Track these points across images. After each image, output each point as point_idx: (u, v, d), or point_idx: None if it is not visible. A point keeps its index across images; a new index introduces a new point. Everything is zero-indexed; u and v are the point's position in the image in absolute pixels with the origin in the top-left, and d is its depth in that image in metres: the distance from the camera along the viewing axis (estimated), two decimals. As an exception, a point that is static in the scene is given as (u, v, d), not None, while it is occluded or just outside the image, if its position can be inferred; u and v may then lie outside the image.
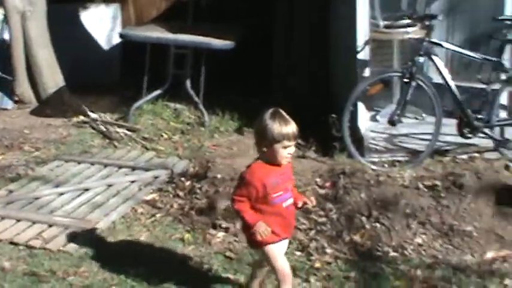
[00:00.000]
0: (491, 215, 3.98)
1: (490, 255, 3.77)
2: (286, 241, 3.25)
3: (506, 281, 3.53)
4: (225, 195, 4.28)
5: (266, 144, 3.01)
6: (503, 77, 5.02)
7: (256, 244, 3.14)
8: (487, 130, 5.02)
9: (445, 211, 4.02)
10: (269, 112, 3.04)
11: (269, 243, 3.11)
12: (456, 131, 5.08)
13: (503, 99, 5.21)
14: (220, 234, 4.09)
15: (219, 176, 4.51)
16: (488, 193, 4.08)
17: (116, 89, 6.85)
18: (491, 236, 3.87)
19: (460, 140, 5.14)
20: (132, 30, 6.62)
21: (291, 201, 3.15)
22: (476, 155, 5.07)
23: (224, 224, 4.13)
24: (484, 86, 5.03)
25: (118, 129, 5.90)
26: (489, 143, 5.11)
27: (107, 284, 3.59)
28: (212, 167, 4.68)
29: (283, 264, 3.16)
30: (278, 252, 3.15)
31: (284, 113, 3.05)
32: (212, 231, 4.11)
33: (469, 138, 5.07)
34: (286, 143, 2.99)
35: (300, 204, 3.22)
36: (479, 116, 5.01)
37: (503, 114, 5.26)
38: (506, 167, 4.34)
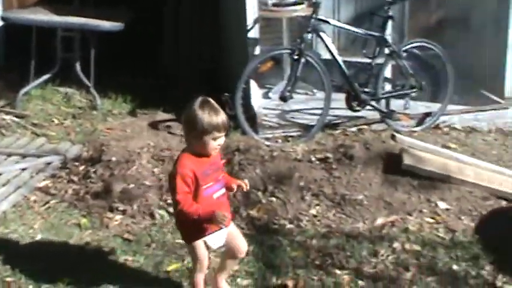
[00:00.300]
0: (380, 183, 4.16)
1: (379, 221, 3.94)
2: (224, 231, 3.09)
3: (395, 244, 3.71)
4: (120, 177, 4.25)
5: (195, 135, 2.89)
6: (386, 51, 5.24)
7: (190, 239, 3.06)
8: (373, 103, 5.23)
9: (337, 182, 4.16)
10: (198, 102, 2.90)
11: (200, 237, 3.02)
12: (345, 104, 5.26)
13: (388, 72, 5.45)
14: (118, 217, 4.05)
15: (113, 159, 4.45)
16: (376, 162, 4.26)
17: (0, 74, 6.56)
18: (380, 203, 4.05)
19: (349, 113, 5.33)
20: (14, 13, 6.36)
21: (222, 191, 3.04)
22: (365, 127, 5.30)
23: (121, 207, 4.10)
24: (369, 61, 5.23)
25: (5, 116, 5.68)
26: (376, 115, 5.33)
27: (0, 275, 3.49)
28: (106, 150, 4.60)
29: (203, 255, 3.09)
30: (203, 246, 3.05)
31: (214, 103, 2.93)
32: (109, 215, 4.07)
33: (358, 111, 5.27)
34: (216, 134, 2.88)
35: (235, 188, 3.13)
36: (366, 90, 5.22)
37: (388, 87, 5.50)
38: (392, 137, 4.54)
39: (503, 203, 4.13)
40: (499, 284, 3.39)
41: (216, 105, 2.93)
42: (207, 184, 2.95)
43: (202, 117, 2.85)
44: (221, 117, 2.90)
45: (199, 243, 3.05)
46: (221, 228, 3.02)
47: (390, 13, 5.22)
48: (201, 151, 2.94)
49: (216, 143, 2.92)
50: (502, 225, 3.90)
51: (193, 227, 3.01)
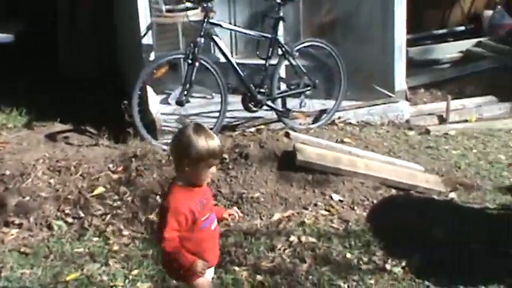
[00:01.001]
0: (276, 180, 4.27)
1: (276, 217, 4.06)
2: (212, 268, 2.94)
3: (291, 238, 3.83)
4: (15, 191, 4.19)
5: (189, 163, 2.65)
6: (279, 51, 5.37)
7: (186, 280, 2.81)
8: (269, 102, 5.35)
9: (233, 181, 4.25)
10: (191, 127, 2.68)
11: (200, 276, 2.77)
12: (242, 106, 5.35)
13: (282, 72, 5.59)
14: (14, 231, 3.99)
15: (7, 172, 4.37)
16: (271, 160, 4.37)
17: None
18: (276, 200, 4.16)
19: (247, 114, 5.43)
20: None
21: (215, 221, 2.84)
22: (262, 126, 5.40)
23: (17, 220, 4.04)
24: (263, 62, 5.34)
25: None
26: (273, 115, 5.46)
27: None
28: (0, 164, 4.51)
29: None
30: (207, 282, 2.89)
31: (207, 128, 2.74)
32: (4, 229, 4.00)
33: (255, 111, 5.38)
34: (212, 160, 2.68)
35: (229, 218, 2.99)
36: (262, 90, 5.33)
37: (283, 86, 5.63)
38: (287, 135, 4.67)
39: (393, 192, 4.33)
40: (388, 267, 3.55)
41: (209, 130, 2.74)
42: (205, 216, 2.74)
43: (197, 143, 2.62)
44: (217, 142, 2.70)
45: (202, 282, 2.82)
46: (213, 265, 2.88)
47: (281, 14, 5.34)
48: (194, 180, 2.71)
49: (210, 170, 2.72)
50: (391, 212, 4.10)
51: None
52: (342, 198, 4.20)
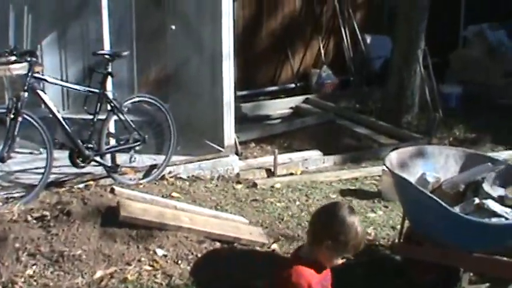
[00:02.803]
0: (99, 236, 4.20)
1: (99, 274, 3.97)
2: None
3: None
4: None
5: (329, 245, 2.53)
6: (108, 107, 5.36)
7: None
8: (98, 158, 5.29)
9: (54, 239, 4.12)
10: (347, 210, 2.57)
11: None
12: (69, 161, 5.25)
13: (111, 127, 5.56)
14: None
15: None
16: (94, 217, 4.30)
17: None
18: (99, 256, 4.08)
19: (76, 170, 5.32)
20: None
21: None
22: (91, 182, 5.32)
23: None
24: (91, 117, 5.29)
25: None
26: (103, 170, 5.40)
27: None
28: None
29: None
30: None
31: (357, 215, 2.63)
32: None
33: (83, 167, 5.29)
34: (348, 254, 2.57)
35: None
36: (90, 145, 5.26)
37: (112, 141, 5.60)
38: (112, 191, 4.63)
39: (218, 245, 4.41)
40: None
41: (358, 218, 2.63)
42: None
43: (351, 232, 2.51)
44: (364, 236, 2.60)
45: None
46: None
47: (109, 69, 5.35)
48: (320, 261, 2.59)
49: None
50: (215, 265, 4.16)
51: None
52: (166, 253, 4.20)
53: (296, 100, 8.47)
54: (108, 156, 5.50)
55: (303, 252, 2.68)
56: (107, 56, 5.31)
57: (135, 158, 5.59)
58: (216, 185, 5.66)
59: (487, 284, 3.94)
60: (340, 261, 2.61)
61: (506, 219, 3.77)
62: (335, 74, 8.87)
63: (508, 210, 3.84)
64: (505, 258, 3.63)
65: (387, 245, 4.67)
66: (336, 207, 2.63)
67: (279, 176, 6.19)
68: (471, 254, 3.62)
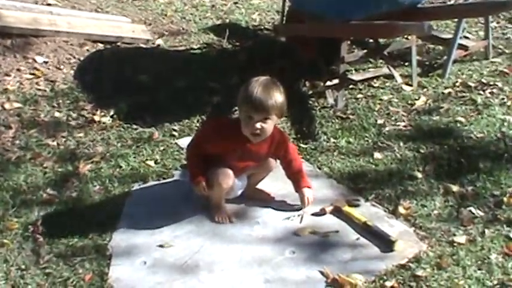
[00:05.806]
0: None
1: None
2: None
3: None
4: None
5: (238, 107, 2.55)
6: None
7: None
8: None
9: None
10: (263, 77, 2.51)
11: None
12: None
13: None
14: None
15: None
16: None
17: None
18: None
19: None
20: None
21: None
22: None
23: None
24: None
25: None
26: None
27: None
28: None
29: None
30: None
31: (276, 85, 2.50)
32: None
33: None
34: (250, 112, 2.45)
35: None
36: None
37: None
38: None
39: (100, 46, 4.30)
40: (97, 118, 3.59)
41: (276, 87, 2.49)
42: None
43: (246, 89, 2.47)
44: (265, 97, 2.43)
45: None
46: None
47: None
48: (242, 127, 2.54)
49: (251, 122, 2.47)
50: (98, 66, 4.08)
51: None
52: (46, 60, 4.07)
53: None
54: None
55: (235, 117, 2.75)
56: None
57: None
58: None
59: (365, 51, 4.02)
60: (253, 126, 2.51)
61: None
62: None
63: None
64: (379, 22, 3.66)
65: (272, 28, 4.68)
66: (257, 79, 2.55)
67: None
68: (349, 22, 3.63)
